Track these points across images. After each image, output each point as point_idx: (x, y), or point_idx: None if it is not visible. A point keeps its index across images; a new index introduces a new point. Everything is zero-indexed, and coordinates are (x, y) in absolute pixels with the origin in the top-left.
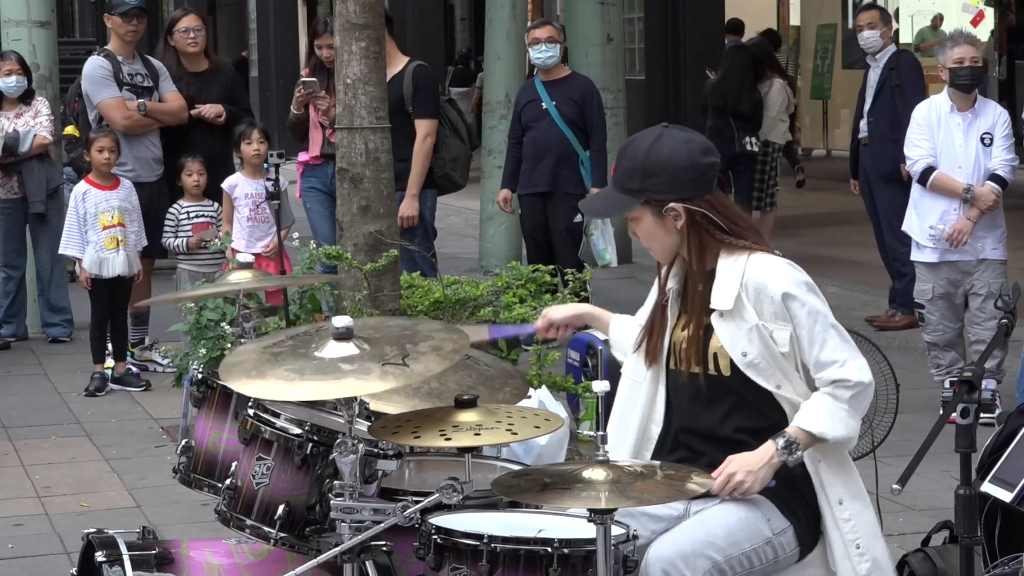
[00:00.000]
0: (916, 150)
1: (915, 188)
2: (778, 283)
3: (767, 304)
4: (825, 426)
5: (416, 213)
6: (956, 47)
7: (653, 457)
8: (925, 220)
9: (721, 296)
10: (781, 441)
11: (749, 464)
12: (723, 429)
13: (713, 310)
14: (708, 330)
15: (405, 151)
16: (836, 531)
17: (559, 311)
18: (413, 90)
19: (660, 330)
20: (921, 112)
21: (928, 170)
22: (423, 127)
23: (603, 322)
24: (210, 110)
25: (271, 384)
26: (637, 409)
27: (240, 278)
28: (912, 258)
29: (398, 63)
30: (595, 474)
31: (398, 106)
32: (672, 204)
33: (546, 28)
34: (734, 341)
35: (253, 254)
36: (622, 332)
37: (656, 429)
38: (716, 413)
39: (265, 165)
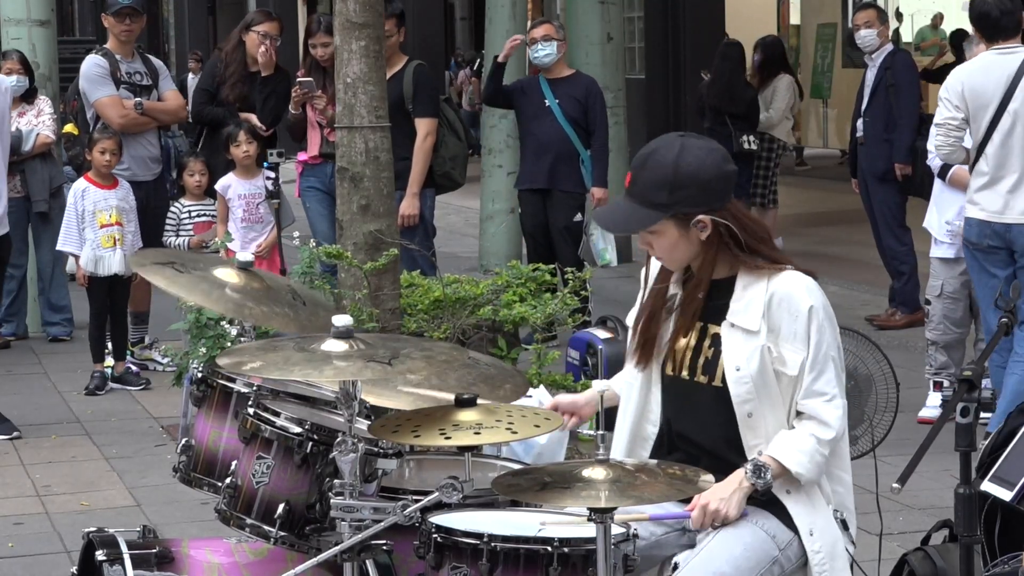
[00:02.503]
0: (931, 141)
1: (936, 184)
2: (804, 300)
3: (788, 321)
4: (803, 467)
5: (417, 212)
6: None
7: (651, 457)
8: (943, 216)
9: (743, 314)
10: (750, 466)
11: (720, 492)
12: (723, 446)
13: (724, 321)
14: (717, 340)
15: (405, 150)
16: (808, 559)
17: (583, 402)
18: (413, 89)
19: (656, 333)
20: None
21: (947, 165)
22: (424, 126)
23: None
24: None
25: (255, 364)
26: (630, 409)
27: (233, 278)
28: (931, 255)
29: (398, 62)
30: (595, 473)
31: (398, 105)
32: (700, 216)
33: (542, 27)
34: (735, 354)
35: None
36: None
37: (652, 429)
38: (719, 427)
39: (265, 164)
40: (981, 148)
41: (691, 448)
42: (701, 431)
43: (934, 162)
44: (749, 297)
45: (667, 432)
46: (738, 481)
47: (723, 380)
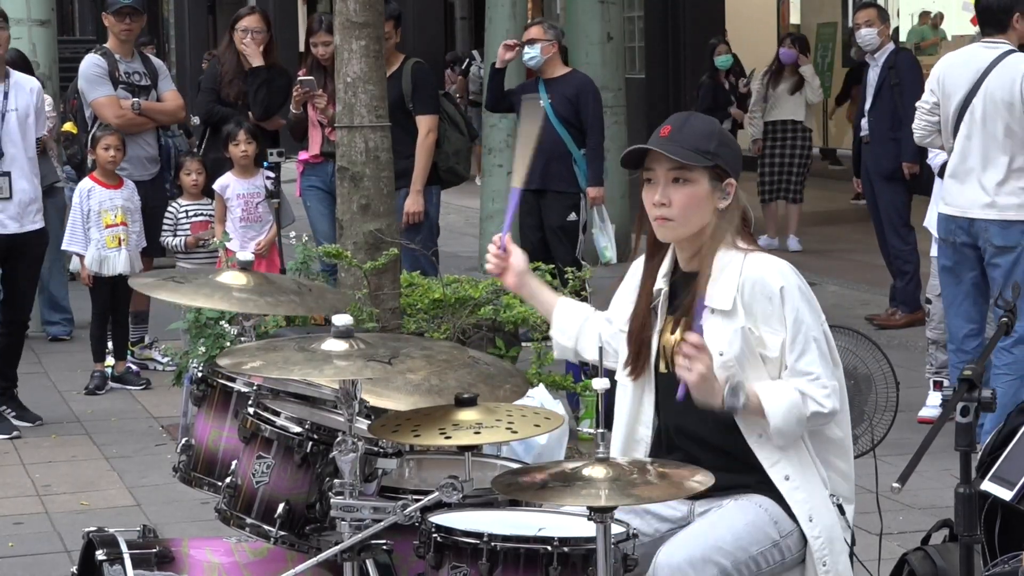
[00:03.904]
0: None
1: (937, 184)
2: (775, 281)
3: (762, 304)
4: (777, 412)
5: (421, 209)
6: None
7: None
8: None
9: (718, 295)
10: (734, 381)
11: (712, 372)
12: (721, 437)
13: (705, 307)
14: (699, 331)
15: (409, 148)
16: (808, 545)
17: (522, 263)
18: (413, 87)
19: (646, 334)
20: None
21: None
22: (425, 123)
23: (546, 302)
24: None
25: (255, 364)
26: (623, 411)
27: (235, 280)
28: (931, 254)
29: (395, 61)
30: (595, 472)
31: (399, 104)
32: (730, 180)
33: (531, 29)
34: (716, 339)
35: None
36: (568, 320)
37: (645, 431)
38: (713, 417)
39: (265, 164)
40: (951, 141)
41: (690, 444)
42: (699, 423)
43: (934, 160)
44: (724, 278)
45: (664, 431)
46: (720, 383)
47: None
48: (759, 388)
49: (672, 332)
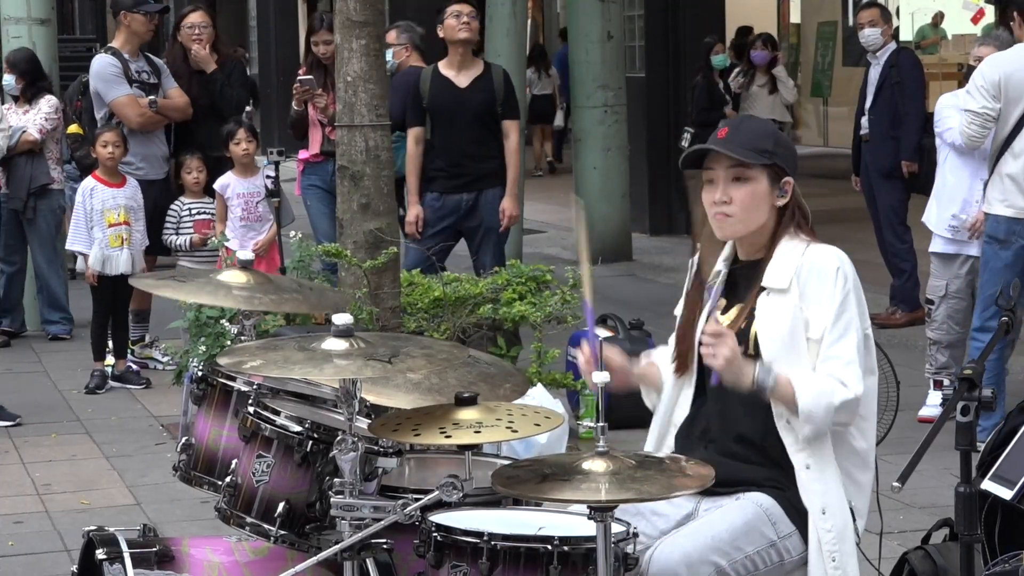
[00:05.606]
0: (946, 122)
1: (937, 180)
2: (832, 263)
3: (815, 282)
4: (807, 397)
5: (518, 212)
6: (980, 47)
7: (677, 441)
8: (945, 210)
9: (776, 276)
10: (766, 363)
11: (739, 354)
12: (753, 427)
13: (763, 289)
14: (752, 312)
15: (495, 151)
16: (816, 539)
17: (618, 359)
18: (505, 93)
19: (695, 318)
20: (947, 101)
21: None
22: (514, 127)
23: (651, 374)
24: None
25: (255, 363)
26: (662, 407)
27: (236, 278)
28: (930, 250)
29: (478, 64)
30: (595, 465)
31: (489, 107)
32: (788, 178)
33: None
34: (767, 316)
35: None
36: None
37: (681, 414)
38: (748, 401)
39: (265, 162)
40: (1007, 143)
41: (723, 436)
42: (735, 415)
43: (945, 134)
44: (784, 261)
45: (696, 416)
46: (751, 364)
47: (755, 347)
48: (791, 373)
49: (724, 313)
